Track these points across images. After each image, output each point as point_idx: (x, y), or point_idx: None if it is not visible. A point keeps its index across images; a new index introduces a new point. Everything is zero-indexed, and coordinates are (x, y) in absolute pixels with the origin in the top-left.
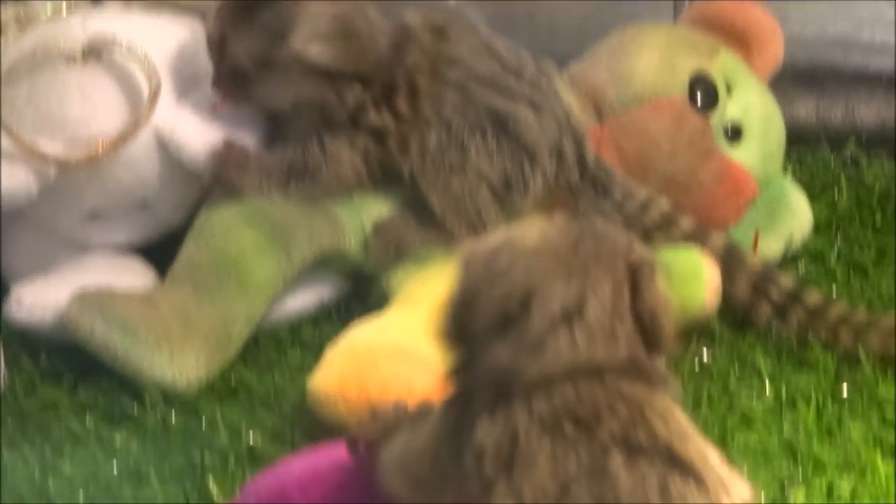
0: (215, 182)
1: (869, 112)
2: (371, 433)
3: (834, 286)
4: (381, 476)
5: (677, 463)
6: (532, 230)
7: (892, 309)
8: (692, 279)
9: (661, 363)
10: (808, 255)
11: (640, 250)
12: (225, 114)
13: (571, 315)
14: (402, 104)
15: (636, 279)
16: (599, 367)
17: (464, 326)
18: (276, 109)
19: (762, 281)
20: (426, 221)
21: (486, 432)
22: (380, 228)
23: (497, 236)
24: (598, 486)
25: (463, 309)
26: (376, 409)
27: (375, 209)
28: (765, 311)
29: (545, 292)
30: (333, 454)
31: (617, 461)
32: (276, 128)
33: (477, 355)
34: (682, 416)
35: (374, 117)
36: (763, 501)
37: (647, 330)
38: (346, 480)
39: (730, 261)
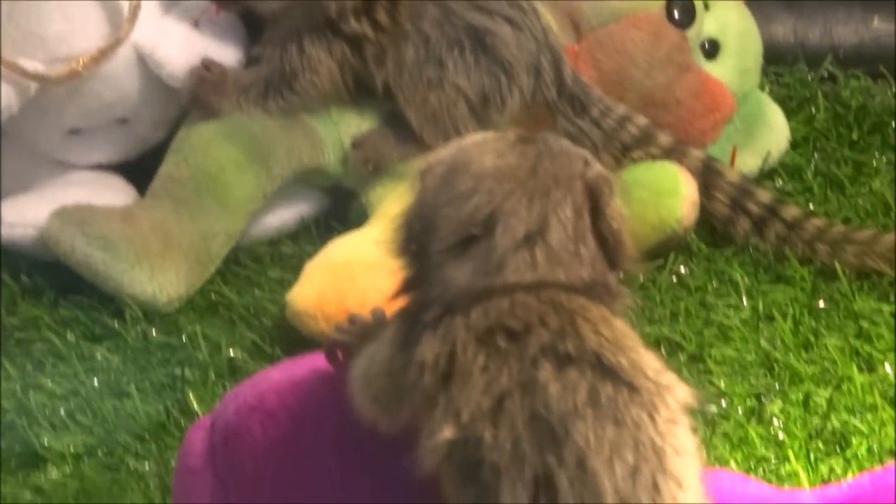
0: (193, 103)
1: (846, 31)
2: (349, 339)
3: (811, 202)
4: (350, 391)
5: (608, 372)
6: (487, 148)
7: (869, 224)
8: (669, 193)
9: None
10: (785, 171)
11: (596, 168)
12: (206, 30)
13: (534, 237)
14: (382, 14)
15: (596, 198)
16: (556, 285)
17: (419, 242)
18: (263, 12)
19: (740, 195)
20: (404, 136)
21: (428, 346)
22: (358, 143)
23: (449, 152)
24: (530, 398)
25: (420, 225)
26: (354, 315)
27: (354, 125)
28: (743, 225)
29: (509, 215)
30: (311, 362)
31: (546, 372)
32: (255, 45)
33: (432, 272)
34: (620, 326)
35: (353, 24)
36: (741, 412)
37: (608, 247)
38: (323, 386)
39: (708, 176)
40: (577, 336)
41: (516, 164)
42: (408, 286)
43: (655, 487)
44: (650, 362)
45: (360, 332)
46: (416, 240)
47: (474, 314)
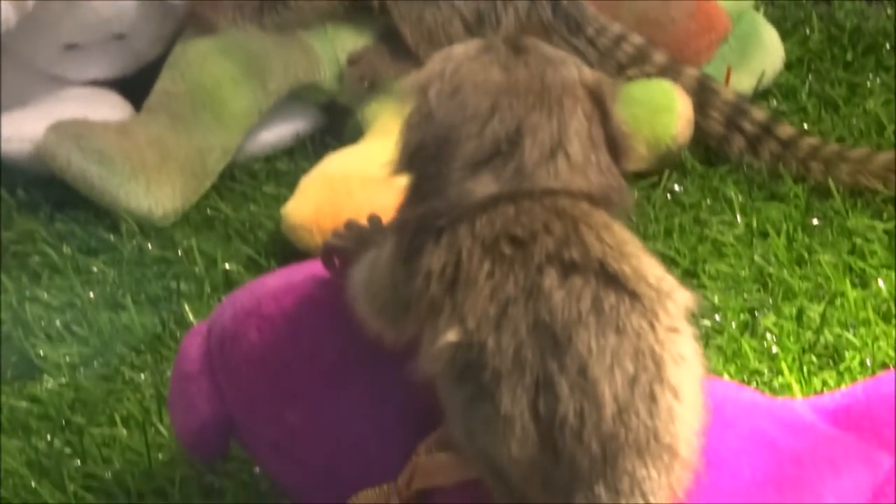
0: (190, 18)
1: None
2: (346, 245)
3: (805, 122)
4: (350, 299)
5: (611, 279)
6: (487, 61)
7: (863, 144)
8: (664, 110)
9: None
10: (779, 91)
11: (589, 71)
12: None
13: (557, 148)
14: None
15: (601, 101)
16: (569, 193)
17: (432, 159)
18: None
19: (735, 113)
20: (400, 53)
21: (435, 256)
22: (354, 60)
23: (445, 67)
24: (534, 304)
25: (435, 143)
26: (351, 221)
27: (350, 41)
28: (737, 143)
29: (535, 129)
30: (308, 269)
31: (550, 279)
32: None
33: (447, 187)
34: (622, 232)
35: None
36: (734, 326)
37: (616, 149)
38: (321, 292)
39: (703, 94)
40: (582, 243)
41: (526, 76)
42: (414, 200)
43: (652, 396)
44: (651, 269)
45: (358, 237)
46: (428, 157)
47: (479, 223)
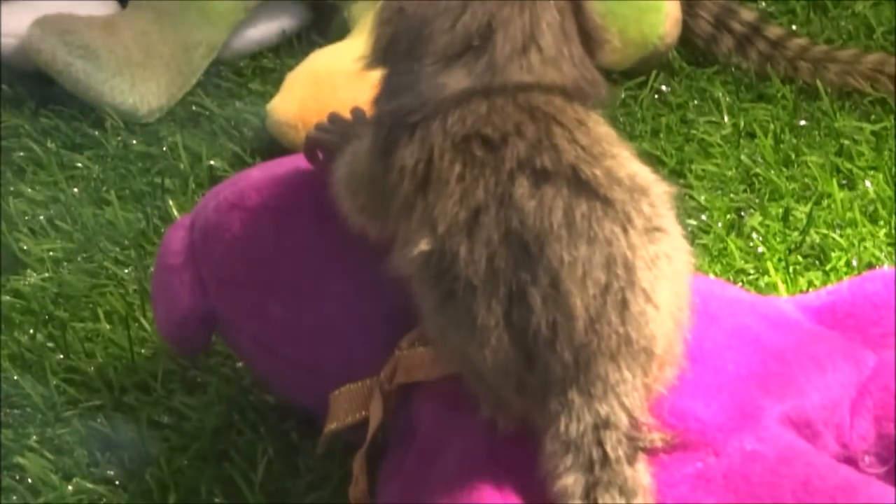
0: None
1: None
2: (329, 137)
3: (794, 23)
4: (333, 194)
5: (583, 186)
6: None
7: (851, 46)
8: (652, 10)
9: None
10: None
11: None
12: None
13: (529, 43)
14: None
15: None
16: (542, 87)
17: (405, 53)
18: None
19: (724, 13)
20: None
21: (407, 151)
22: None
23: None
24: (505, 213)
25: (407, 37)
26: (334, 114)
27: None
28: (726, 43)
29: (506, 23)
30: (292, 162)
31: (522, 188)
32: None
33: (419, 82)
34: (596, 128)
35: None
36: (720, 226)
37: (590, 42)
38: (304, 185)
39: None
40: (554, 148)
41: None
42: (387, 95)
43: (623, 303)
44: (626, 167)
45: (341, 130)
46: (401, 52)
47: (450, 119)
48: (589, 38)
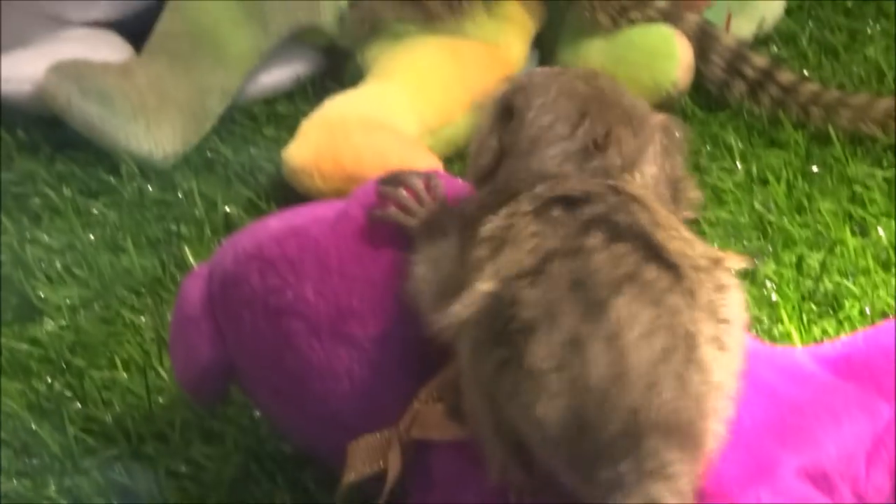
0: None
1: None
2: (409, 222)
3: (805, 68)
4: (411, 290)
5: (654, 251)
6: (571, 76)
7: (863, 91)
8: (664, 56)
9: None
10: (780, 37)
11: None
12: None
13: (634, 164)
14: None
15: (671, 140)
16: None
17: (518, 157)
18: None
19: (736, 59)
20: None
21: (491, 224)
22: (355, 3)
23: (527, 79)
24: (573, 262)
25: (525, 143)
26: (417, 190)
27: None
28: (738, 88)
29: (620, 140)
30: (310, 211)
31: (595, 239)
32: None
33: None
34: (672, 218)
35: None
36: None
37: (676, 191)
38: (321, 233)
39: (704, 39)
40: (632, 213)
41: (610, 92)
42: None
43: (682, 377)
44: (696, 247)
45: (426, 219)
46: (516, 157)
47: (540, 188)
48: (675, 188)
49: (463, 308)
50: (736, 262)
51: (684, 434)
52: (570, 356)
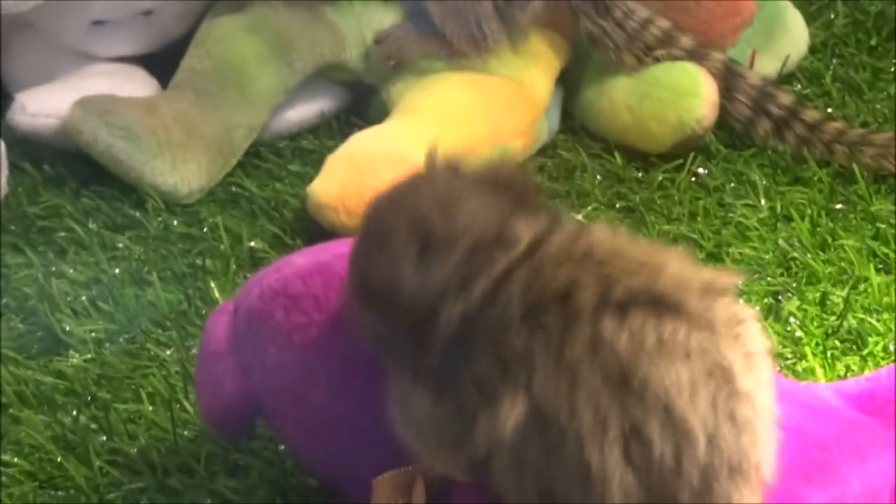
0: None
1: None
2: None
3: (829, 106)
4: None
5: (661, 304)
6: None
7: (887, 129)
8: (689, 93)
9: None
10: (803, 76)
11: None
12: None
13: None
14: None
15: None
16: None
17: None
18: None
19: (762, 97)
20: (426, 33)
21: (479, 365)
22: (380, 39)
23: None
24: (600, 358)
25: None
26: None
27: (376, 20)
28: (763, 126)
29: None
30: (336, 248)
31: (609, 324)
32: None
33: None
34: (629, 244)
35: None
36: (758, 310)
37: None
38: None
39: (729, 78)
40: (623, 280)
41: None
42: None
43: (732, 413)
44: (684, 269)
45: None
46: None
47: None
48: None
49: (496, 436)
50: (728, 279)
51: (745, 469)
52: (631, 447)
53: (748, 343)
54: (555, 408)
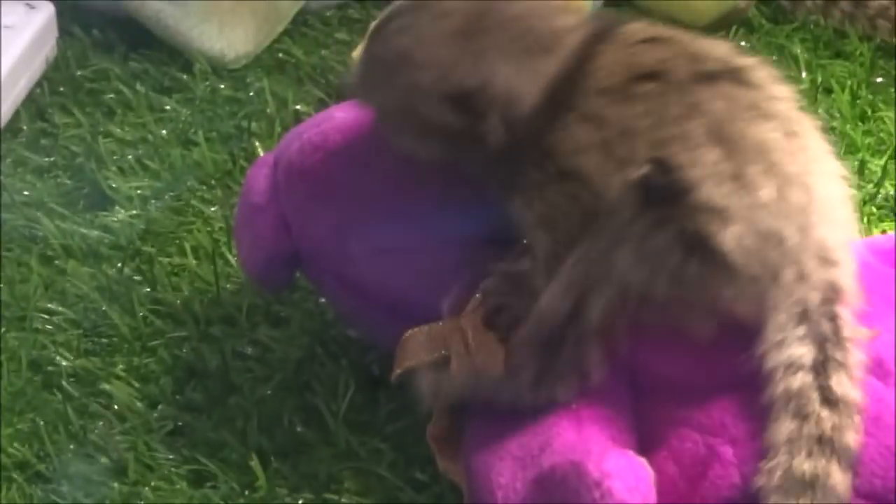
0: None
1: None
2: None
3: None
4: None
5: (737, 76)
6: None
7: None
8: None
9: None
10: None
11: None
12: None
13: None
14: None
15: None
16: None
17: None
18: None
19: None
20: None
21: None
22: None
23: None
24: (701, 118)
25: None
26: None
27: None
28: (810, 0)
29: None
30: None
31: (702, 92)
32: None
33: None
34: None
35: None
36: None
37: None
38: None
39: None
40: (708, 58)
41: None
42: None
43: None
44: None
45: None
46: None
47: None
48: None
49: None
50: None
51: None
52: (737, 188)
53: (806, 119)
54: (675, 158)
